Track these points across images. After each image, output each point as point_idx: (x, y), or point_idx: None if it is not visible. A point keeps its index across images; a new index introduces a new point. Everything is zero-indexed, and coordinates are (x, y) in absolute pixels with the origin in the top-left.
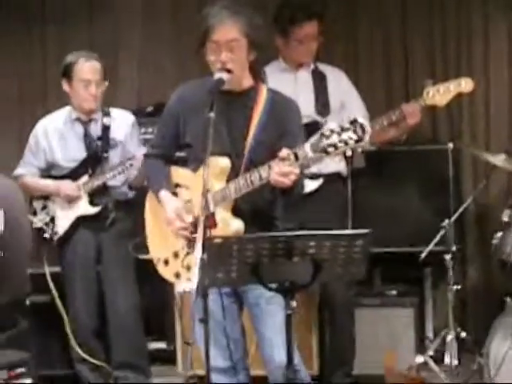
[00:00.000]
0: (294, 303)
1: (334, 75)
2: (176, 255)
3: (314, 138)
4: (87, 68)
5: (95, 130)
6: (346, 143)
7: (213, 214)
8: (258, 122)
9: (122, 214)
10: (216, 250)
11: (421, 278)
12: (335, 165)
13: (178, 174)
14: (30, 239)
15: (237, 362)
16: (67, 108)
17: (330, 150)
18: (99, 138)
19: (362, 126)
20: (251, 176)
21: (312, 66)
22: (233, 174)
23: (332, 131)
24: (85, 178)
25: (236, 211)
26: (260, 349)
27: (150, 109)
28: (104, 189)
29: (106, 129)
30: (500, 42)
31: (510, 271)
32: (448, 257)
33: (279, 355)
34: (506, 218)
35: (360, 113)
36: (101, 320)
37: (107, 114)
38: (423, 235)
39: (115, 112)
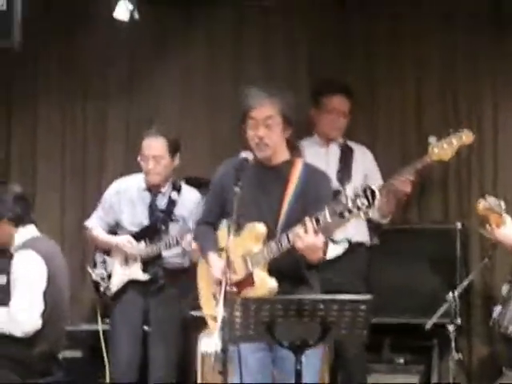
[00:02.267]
0: (303, 359)
1: (361, 152)
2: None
3: (331, 204)
4: (146, 144)
5: (161, 202)
6: (359, 208)
7: (251, 274)
8: (293, 192)
9: (170, 280)
10: (236, 309)
11: (428, 347)
12: (362, 235)
13: (223, 238)
14: (68, 299)
15: None
16: (140, 175)
17: (346, 214)
18: (162, 211)
19: (372, 192)
20: (281, 240)
21: (341, 141)
22: (270, 238)
23: (347, 197)
24: (142, 245)
25: (269, 271)
26: None
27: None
28: (158, 257)
29: (171, 203)
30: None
31: (509, 343)
32: (451, 328)
33: None
34: (504, 293)
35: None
36: (138, 377)
37: (176, 189)
38: (431, 308)
39: (185, 188)
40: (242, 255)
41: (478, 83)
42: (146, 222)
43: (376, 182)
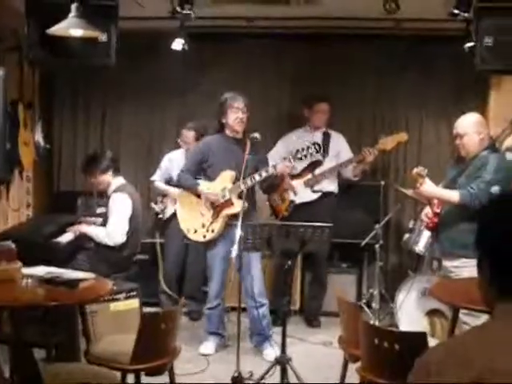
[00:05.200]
0: (289, 262)
1: (336, 136)
2: (203, 225)
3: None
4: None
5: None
6: (311, 154)
7: (230, 199)
8: (248, 155)
9: None
10: (248, 230)
11: (361, 258)
12: (331, 187)
13: (202, 183)
14: (141, 222)
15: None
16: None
17: (303, 158)
18: None
19: (319, 146)
20: (255, 175)
21: (323, 129)
22: (236, 180)
23: (302, 149)
24: None
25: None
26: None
27: None
28: None
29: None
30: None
31: (412, 256)
32: (377, 246)
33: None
34: (410, 226)
35: (347, 157)
36: (182, 271)
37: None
38: (365, 234)
39: None
40: (221, 189)
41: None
42: None
43: (346, 156)
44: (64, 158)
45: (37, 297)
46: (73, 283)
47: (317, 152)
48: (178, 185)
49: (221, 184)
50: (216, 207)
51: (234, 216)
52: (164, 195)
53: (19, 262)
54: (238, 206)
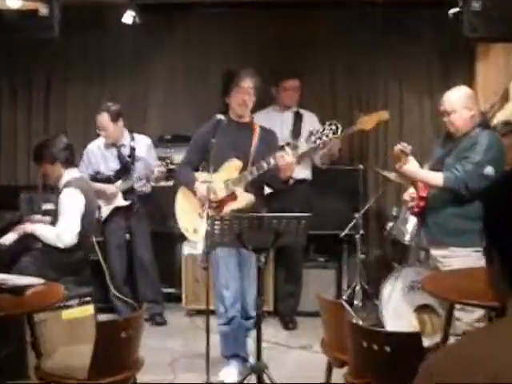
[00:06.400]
0: (262, 259)
1: (308, 116)
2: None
3: (305, 136)
4: (97, 119)
5: (125, 150)
6: (327, 135)
7: (233, 192)
8: (257, 141)
9: (142, 204)
10: (216, 224)
11: (340, 250)
12: (304, 174)
13: (200, 175)
14: (95, 219)
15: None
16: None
17: (318, 141)
18: (129, 156)
19: (336, 125)
20: (260, 165)
21: (295, 109)
22: (243, 169)
23: (317, 131)
24: (119, 182)
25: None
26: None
27: (168, 137)
28: (131, 188)
29: (132, 149)
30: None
31: (396, 247)
32: (357, 236)
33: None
34: (394, 213)
35: None
36: (129, 272)
37: (132, 139)
38: (343, 223)
39: (138, 137)
40: (224, 181)
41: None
42: (117, 166)
43: None
44: (3, 147)
45: None
46: (18, 290)
47: (334, 133)
48: (176, 180)
49: (225, 175)
50: (218, 202)
51: (241, 211)
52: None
53: None
54: (242, 200)
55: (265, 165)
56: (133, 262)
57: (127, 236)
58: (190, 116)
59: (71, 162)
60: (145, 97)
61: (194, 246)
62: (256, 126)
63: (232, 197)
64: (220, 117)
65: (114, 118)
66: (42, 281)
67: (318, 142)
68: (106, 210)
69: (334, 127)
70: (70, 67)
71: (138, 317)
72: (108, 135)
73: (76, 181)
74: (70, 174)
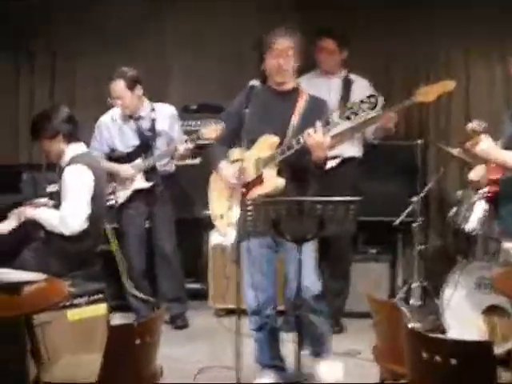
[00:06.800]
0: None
1: (360, 83)
2: (229, 209)
3: (340, 109)
4: (111, 87)
5: (145, 123)
6: (364, 110)
7: (261, 174)
8: (300, 113)
9: (166, 186)
10: (248, 209)
11: (394, 241)
12: (353, 151)
13: (234, 153)
14: (106, 203)
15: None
16: (116, 109)
17: (352, 116)
18: (149, 130)
19: (375, 98)
20: (290, 143)
21: (343, 74)
22: (279, 147)
23: (353, 103)
24: (139, 161)
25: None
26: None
27: (193, 107)
28: (153, 168)
29: (152, 122)
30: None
31: (461, 237)
32: (415, 224)
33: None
34: (458, 197)
35: None
36: (149, 265)
37: (153, 110)
38: (398, 209)
39: (160, 107)
40: (254, 160)
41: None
42: (136, 142)
43: None
44: (2, 121)
45: None
46: (14, 287)
47: (373, 108)
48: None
49: (256, 153)
50: (245, 186)
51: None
52: (109, 174)
53: None
54: (268, 185)
55: (294, 143)
56: (153, 252)
57: (147, 223)
58: (219, 83)
59: (74, 135)
60: (166, 61)
61: (222, 235)
62: (302, 95)
63: (258, 181)
64: (253, 83)
65: (131, 85)
66: (42, 276)
67: (353, 117)
68: (123, 194)
69: (373, 100)
70: (78, 29)
71: (155, 320)
72: (124, 105)
73: (82, 156)
74: (73, 150)
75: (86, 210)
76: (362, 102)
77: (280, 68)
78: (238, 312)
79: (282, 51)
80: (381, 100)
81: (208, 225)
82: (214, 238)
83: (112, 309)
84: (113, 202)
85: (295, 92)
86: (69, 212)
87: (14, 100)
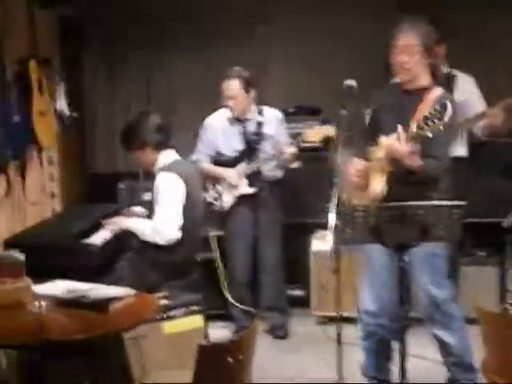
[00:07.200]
0: (406, 257)
1: (463, 79)
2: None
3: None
4: (224, 86)
5: (251, 127)
6: (433, 121)
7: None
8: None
9: (272, 192)
10: (345, 216)
11: (504, 243)
12: (459, 150)
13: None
14: (202, 211)
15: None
16: (225, 110)
17: (426, 128)
18: (255, 134)
19: (444, 105)
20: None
21: (447, 70)
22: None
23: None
24: (242, 165)
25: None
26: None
27: (291, 110)
28: (258, 172)
29: (259, 125)
30: None
31: None
32: None
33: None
34: None
35: (477, 108)
36: (252, 272)
37: (260, 113)
38: (507, 209)
39: (267, 110)
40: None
41: None
42: (241, 146)
43: (474, 103)
44: (99, 129)
45: (52, 329)
46: (101, 304)
47: (440, 118)
48: None
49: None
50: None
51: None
52: (214, 178)
53: (27, 279)
54: (369, 191)
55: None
56: (256, 260)
57: (254, 230)
58: (315, 84)
59: (165, 144)
60: (263, 62)
61: (323, 239)
62: (431, 94)
63: (365, 183)
64: (393, 81)
65: (246, 86)
66: (132, 291)
67: (426, 128)
68: (228, 199)
69: (439, 108)
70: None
71: (248, 336)
72: (236, 106)
73: (173, 164)
74: (165, 157)
75: (179, 218)
76: (434, 110)
77: (401, 66)
78: (337, 321)
79: (405, 47)
80: (449, 106)
81: (310, 228)
82: (316, 244)
83: (213, 317)
84: (218, 207)
85: (423, 91)
86: (162, 221)
87: (111, 108)
